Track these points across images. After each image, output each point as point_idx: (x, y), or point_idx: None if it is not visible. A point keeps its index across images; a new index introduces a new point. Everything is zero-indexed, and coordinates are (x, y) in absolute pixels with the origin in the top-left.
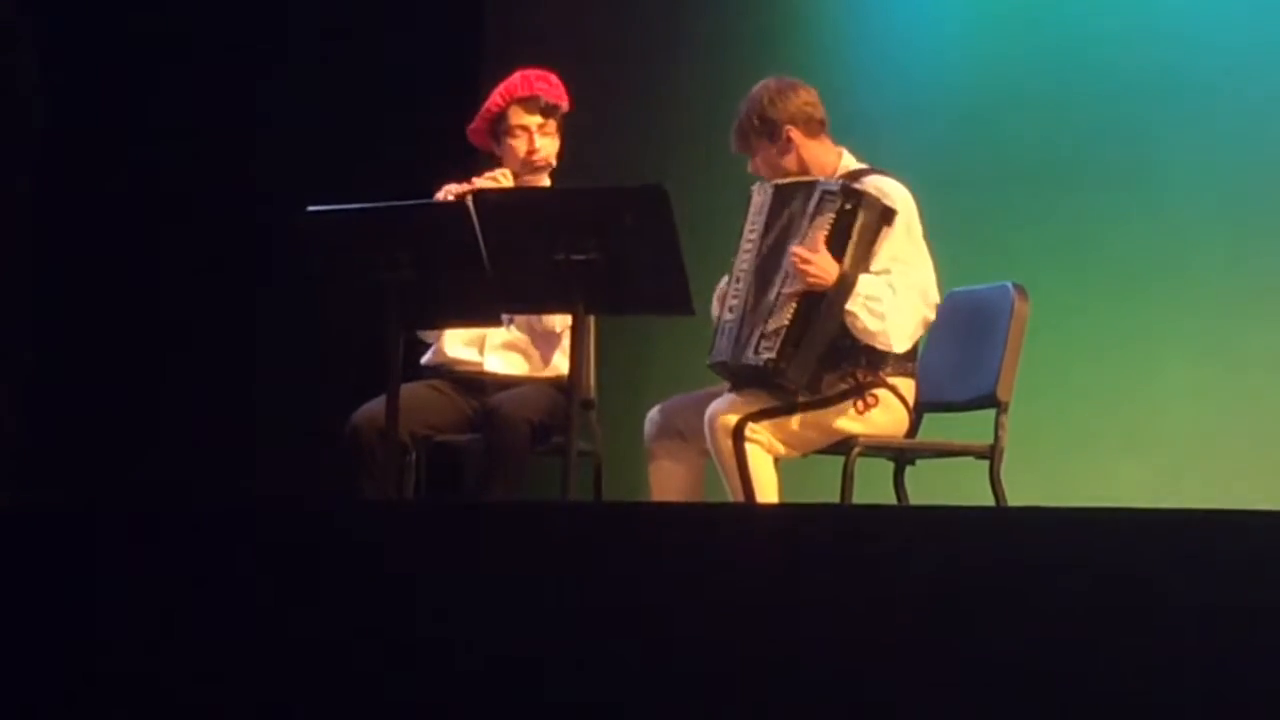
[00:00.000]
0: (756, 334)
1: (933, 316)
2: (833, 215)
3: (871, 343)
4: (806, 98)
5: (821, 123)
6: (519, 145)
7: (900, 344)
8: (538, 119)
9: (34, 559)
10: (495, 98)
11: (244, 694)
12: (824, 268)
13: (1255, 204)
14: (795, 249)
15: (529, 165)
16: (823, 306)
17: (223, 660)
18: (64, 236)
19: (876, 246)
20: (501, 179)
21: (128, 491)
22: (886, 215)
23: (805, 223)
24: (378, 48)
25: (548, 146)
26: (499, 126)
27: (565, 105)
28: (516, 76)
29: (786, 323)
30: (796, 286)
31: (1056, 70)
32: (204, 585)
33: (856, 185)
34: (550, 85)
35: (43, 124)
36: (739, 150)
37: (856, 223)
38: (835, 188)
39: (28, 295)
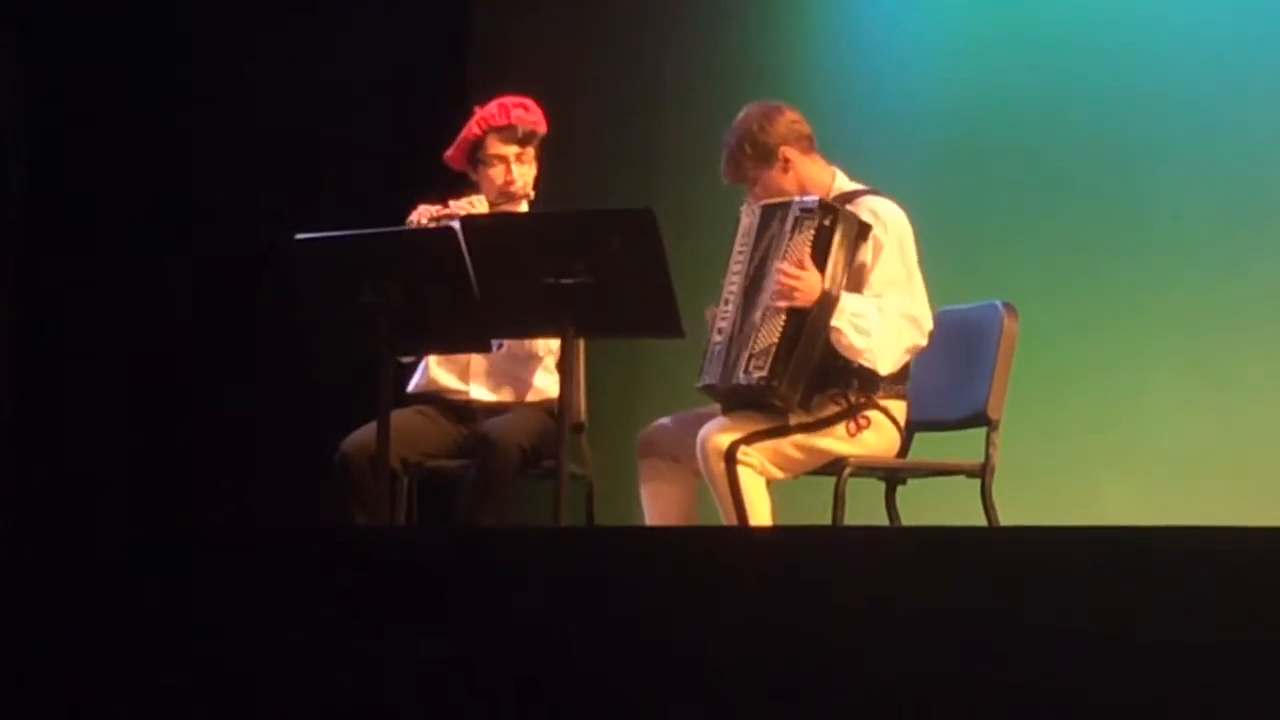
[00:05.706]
0: (745, 354)
1: (924, 343)
2: (812, 232)
3: (857, 360)
4: (792, 117)
5: (810, 139)
6: (496, 175)
7: (885, 365)
8: (514, 149)
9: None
10: (473, 126)
11: None
12: (809, 283)
13: (1243, 222)
14: (780, 266)
15: (506, 194)
16: (809, 322)
17: (216, 688)
18: (56, 262)
19: (861, 259)
20: (476, 204)
21: (119, 520)
22: (863, 230)
23: (785, 241)
24: (361, 69)
25: (525, 175)
26: (476, 154)
27: (543, 129)
28: (494, 105)
29: (775, 340)
30: (782, 303)
31: (1044, 89)
32: (196, 614)
33: (850, 207)
34: (528, 111)
35: (30, 147)
36: (733, 181)
37: (835, 236)
38: (812, 204)
39: (16, 321)
